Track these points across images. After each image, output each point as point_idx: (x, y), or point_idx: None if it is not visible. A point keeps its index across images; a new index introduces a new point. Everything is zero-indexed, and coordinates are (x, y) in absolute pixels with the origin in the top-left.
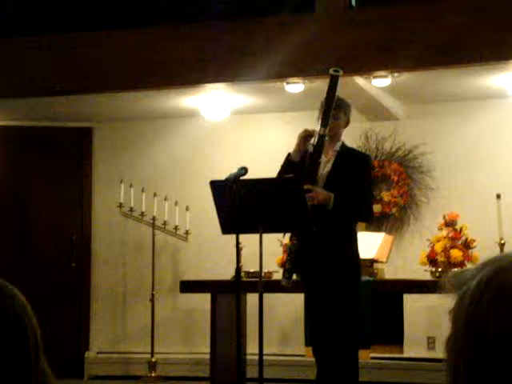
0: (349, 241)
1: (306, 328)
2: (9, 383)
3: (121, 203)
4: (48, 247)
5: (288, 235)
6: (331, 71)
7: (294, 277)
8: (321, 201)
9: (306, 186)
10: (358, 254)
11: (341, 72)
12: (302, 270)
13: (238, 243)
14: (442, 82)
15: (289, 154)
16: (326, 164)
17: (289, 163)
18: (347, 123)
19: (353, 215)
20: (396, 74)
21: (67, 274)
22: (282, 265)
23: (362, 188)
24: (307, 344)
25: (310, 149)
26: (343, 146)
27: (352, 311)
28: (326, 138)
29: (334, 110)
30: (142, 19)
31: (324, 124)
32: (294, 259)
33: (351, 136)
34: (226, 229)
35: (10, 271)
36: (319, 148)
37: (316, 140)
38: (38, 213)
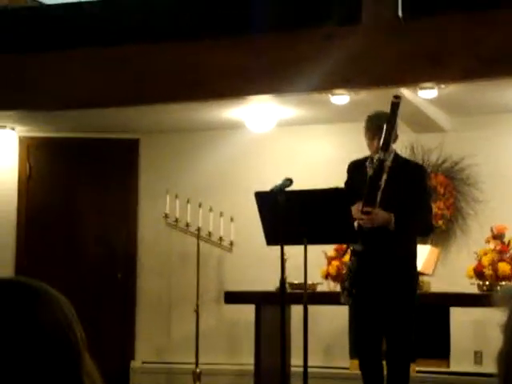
0: (407, 254)
1: (350, 340)
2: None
3: (166, 214)
4: (94, 257)
5: (333, 247)
6: (392, 99)
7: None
8: (380, 223)
9: (365, 209)
10: (416, 269)
11: (401, 98)
12: (359, 287)
13: (282, 255)
14: (489, 94)
15: (350, 164)
16: None
17: (350, 174)
18: (395, 138)
19: (414, 233)
20: (443, 86)
21: (113, 284)
22: (326, 276)
23: (421, 202)
24: (351, 356)
25: (370, 172)
26: (395, 156)
27: (410, 324)
28: (387, 163)
29: (380, 132)
30: (188, 32)
31: (384, 148)
32: (353, 278)
33: (398, 148)
34: (271, 240)
35: (57, 281)
36: (379, 171)
37: (377, 163)
38: (86, 223)
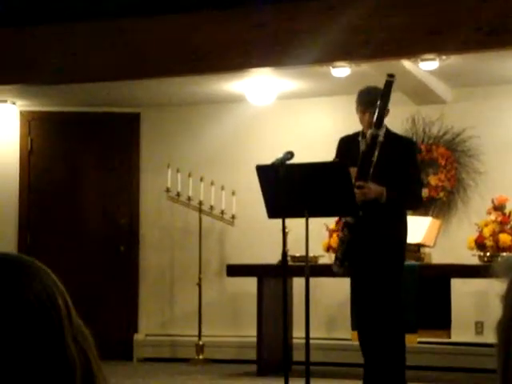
0: (395, 226)
1: (352, 312)
2: (45, 358)
3: (168, 188)
4: (97, 231)
5: (334, 220)
6: (387, 77)
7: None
8: (373, 197)
9: (358, 183)
10: (403, 239)
11: (395, 77)
12: (351, 258)
13: (284, 227)
14: (491, 65)
15: (340, 140)
16: None
17: (340, 150)
18: (387, 113)
19: (404, 206)
20: (444, 57)
21: (116, 258)
22: (327, 249)
23: (411, 177)
24: (353, 328)
25: (363, 147)
26: (387, 132)
27: (395, 295)
28: (380, 139)
29: (371, 107)
30: (189, 4)
31: (377, 125)
32: (345, 249)
33: (398, 120)
34: (272, 213)
35: (60, 255)
36: (372, 147)
37: (370, 139)
38: (88, 197)
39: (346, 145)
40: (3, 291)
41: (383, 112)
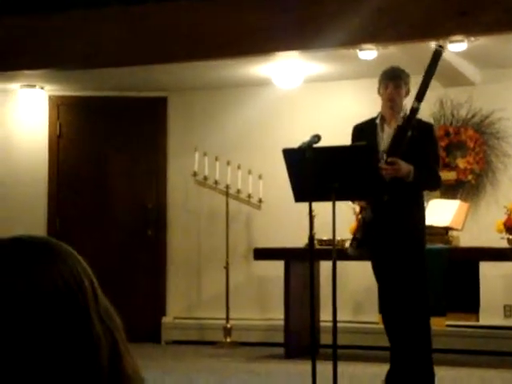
0: (417, 209)
1: (379, 295)
2: (71, 338)
3: (195, 172)
4: (125, 215)
5: (356, 205)
6: (436, 46)
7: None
8: (403, 174)
9: (389, 159)
10: (424, 222)
11: (444, 48)
12: (371, 240)
13: (310, 211)
14: None
15: (355, 128)
16: (390, 135)
17: (356, 138)
18: (407, 93)
19: (427, 187)
20: (472, 39)
21: (144, 241)
22: (354, 233)
23: (432, 158)
24: (380, 311)
25: (400, 122)
26: (404, 115)
27: (420, 278)
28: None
29: (394, 79)
30: None
31: (419, 97)
32: (366, 229)
33: (426, 103)
34: (299, 197)
35: (89, 240)
36: (409, 121)
37: (408, 113)
38: (116, 181)
39: (361, 132)
40: (30, 273)
41: (427, 83)
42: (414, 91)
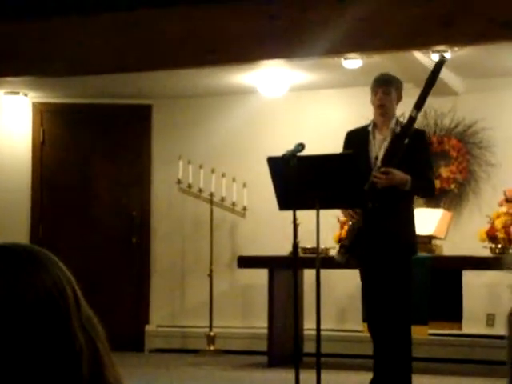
0: (407, 217)
1: (363, 303)
2: (51, 346)
3: (179, 179)
4: (109, 223)
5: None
6: (440, 56)
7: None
8: (397, 183)
9: (383, 169)
10: (414, 231)
11: (446, 59)
12: (359, 246)
13: (295, 219)
14: (503, 56)
15: (348, 133)
16: (382, 142)
17: (349, 143)
18: (399, 99)
19: (422, 195)
20: (456, 49)
21: (127, 249)
22: (339, 240)
23: (424, 165)
24: (364, 319)
25: (397, 129)
26: (398, 122)
27: (405, 287)
28: (392, 127)
29: (382, 86)
30: None
31: (418, 106)
32: (354, 236)
33: (409, 111)
34: (283, 205)
35: (72, 247)
36: (407, 130)
37: (407, 121)
38: (100, 188)
39: (355, 138)
40: (11, 281)
41: (428, 93)
42: (405, 99)
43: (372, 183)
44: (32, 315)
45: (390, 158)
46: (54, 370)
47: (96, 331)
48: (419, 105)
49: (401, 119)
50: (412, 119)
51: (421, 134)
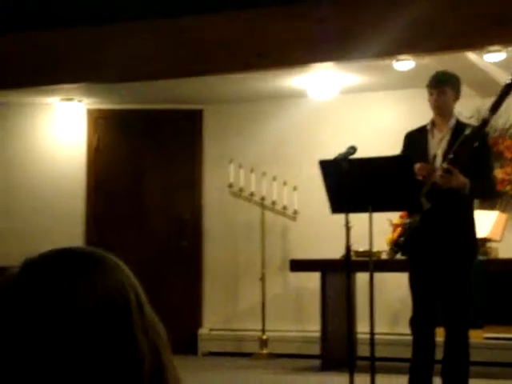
0: (468, 219)
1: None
2: (113, 352)
3: (231, 183)
4: (161, 227)
5: (398, 214)
6: (507, 80)
7: (398, 256)
8: (456, 185)
9: (448, 167)
10: (475, 233)
11: None
12: (413, 246)
13: (347, 222)
14: None
15: (407, 135)
16: (440, 142)
17: (407, 145)
18: (457, 97)
19: (482, 196)
20: (510, 48)
21: (180, 253)
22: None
23: (487, 166)
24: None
25: (468, 131)
26: (457, 121)
27: (466, 291)
28: (467, 132)
29: (437, 87)
30: (250, 1)
31: (493, 109)
32: (410, 235)
33: (464, 113)
34: (336, 208)
35: (125, 251)
36: (479, 133)
37: (481, 123)
38: (152, 193)
39: (413, 139)
40: (72, 285)
41: (505, 97)
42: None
43: (433, 183)
44: (92, 320)
45: (455, 160)
46: (115, 374)
47: (159, 335)
48: (494, 107)
49: (461, 118)
50: (486, 122)
51: (484, 135)
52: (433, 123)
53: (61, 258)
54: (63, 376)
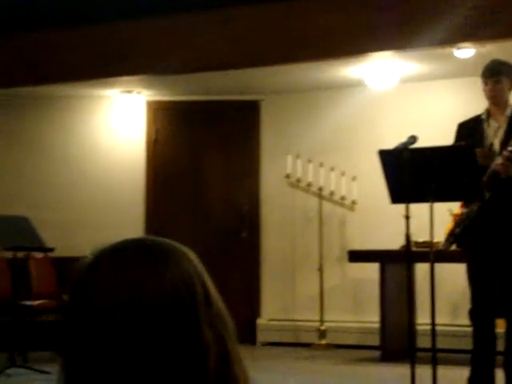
0: None
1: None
2: (178, 342)
3: (288, 174)
4: (220, 217)
5: (458, 204)
6: None
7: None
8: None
9: (508, 154)
10: None
11: None
12: (471, 237)
13: (407, 212)
14: None
15: (460, 125)
16: (496, 131)
17: (461, 135)
18: None
19: None
20: None
21: (238, 242)
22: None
23: None
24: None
25: (496, 124)
26: None
27: None
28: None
29: (491, 76)
30: None
31: None
32: (466, 226)
33: None
34: (396, 198)
35: (183, 241)
36: None
37: None
38: (210, 184)
39: (467, 129)
40: (138, 276)
41: None
42: None
43: (493, 171)
44: (157, 310)
45: None
46: (180, 365)
47: (226, 327)
48: None
49: None
50: None
51: None
52: (488, 113)
53: (129, 248)
54: (129, 363)
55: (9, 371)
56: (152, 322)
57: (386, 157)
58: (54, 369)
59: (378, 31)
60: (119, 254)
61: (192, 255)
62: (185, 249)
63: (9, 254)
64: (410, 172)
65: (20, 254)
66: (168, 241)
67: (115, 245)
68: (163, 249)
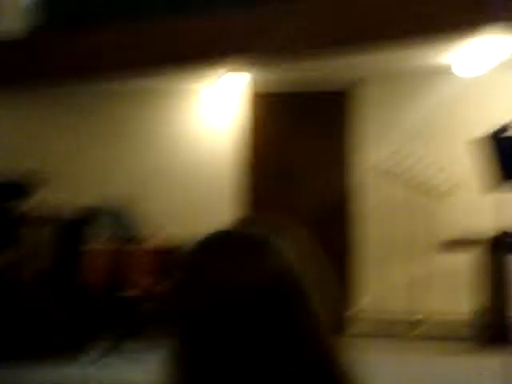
0: None
1: None
2: (276, 333)
3: (377, 163)
4: (311, 207)
5: None
6: None
7: None
8: None
9: None
10: None
11: None
12: None
13: (500, 201)
14: None
15: None
16: None
17: None
18: None
19: None
20: None
21: (330, 233)
22: None
23: None
24: None
25: None
26: None
27: None
28: None
29: None
30: None
31: None
32: None
33: None
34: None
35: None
36: None
37: None
38: (302, 174)
39: None
40: (241, 266)
41: None
42: None
43: None
44: (256, 301)
45: None
46: (277, 353)
47: (324, 317)
48: None
49: None
50: None
51: None
52: None
53: (226, 240)
54: (219, 358)
55: (106, 360)
56: (249, 310)
57: (499, 142)
58: (149, 357)
59: (485, 7)
60: (214, 245)
61: (291, 250)
62: (283, 244)
63: (108, 245)
64: None
65: (119, 245)
66: (265, 233)
67: (212, 236)
68: (257, 242)
